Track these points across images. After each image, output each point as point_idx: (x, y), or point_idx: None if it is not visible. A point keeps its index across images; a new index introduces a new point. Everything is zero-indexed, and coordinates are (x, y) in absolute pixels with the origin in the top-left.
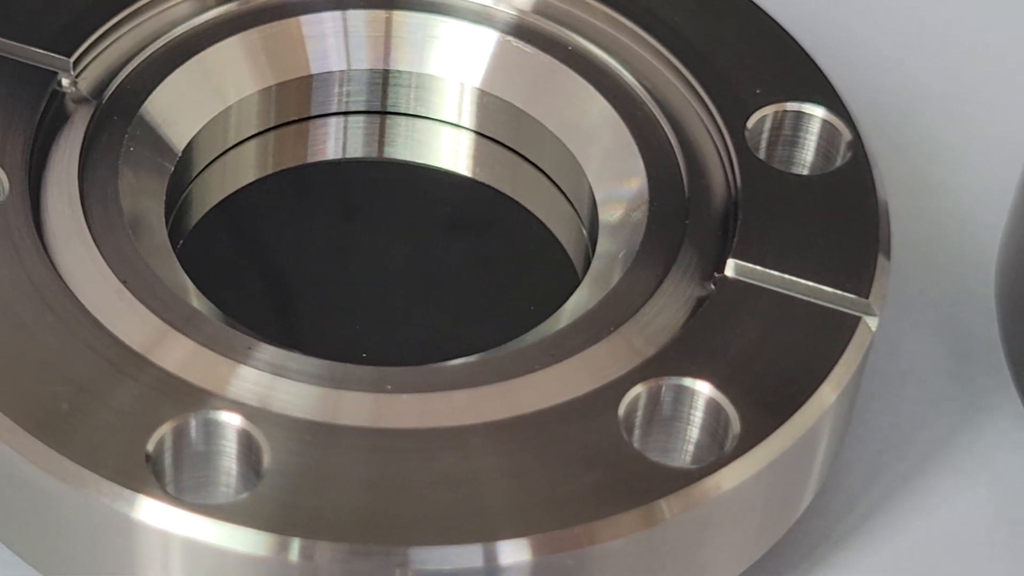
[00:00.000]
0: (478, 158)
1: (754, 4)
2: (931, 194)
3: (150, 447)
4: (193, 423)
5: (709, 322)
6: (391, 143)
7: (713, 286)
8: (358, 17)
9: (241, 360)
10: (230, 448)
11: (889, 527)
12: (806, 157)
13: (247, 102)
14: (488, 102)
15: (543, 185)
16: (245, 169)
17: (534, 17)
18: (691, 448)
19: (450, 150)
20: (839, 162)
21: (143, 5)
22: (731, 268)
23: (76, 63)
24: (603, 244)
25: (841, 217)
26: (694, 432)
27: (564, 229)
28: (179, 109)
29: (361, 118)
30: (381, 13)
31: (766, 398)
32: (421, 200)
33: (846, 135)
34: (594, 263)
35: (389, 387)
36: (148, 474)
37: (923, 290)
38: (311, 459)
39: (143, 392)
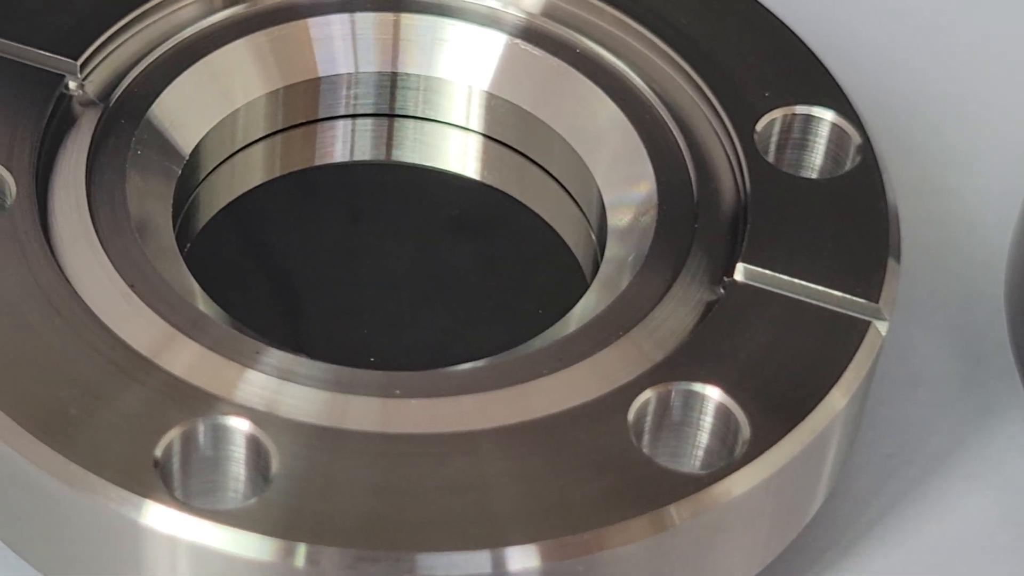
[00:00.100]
0: (486, 161)
1: (763, 7)
2: (940, 197)
3: (158, 452)
4: (201, 428)
5: (718, 327)
6: (399, 146)
7: (722, 290)
8: (366, 20)
9: (248, 364)
10: (238, 453)
11: (899, 532)
12: (815, 160)
13: (255, 105)
14: (496, 105)
15: (551, 188)
16: (252, 172)
17: (542, 20)
18: (701, 453)
19: (458, 153)
20: (848, 166)
21: (150, 8)
22: (740, 272)
23: (83, 66)
24: (612, 248)
25: (850, 221)
26: (704, 437)
27: (572, 233)
28: (186, 112)
29: (369, 121)
30: (389, 16)
31: (776, 403)
32: (429, 203)
33: (855, 138)
34: (603, 267)
35: (398, 392)
36: (156, 479)
37: (932, 293)
38: (319, 464)
39: (150, 396)
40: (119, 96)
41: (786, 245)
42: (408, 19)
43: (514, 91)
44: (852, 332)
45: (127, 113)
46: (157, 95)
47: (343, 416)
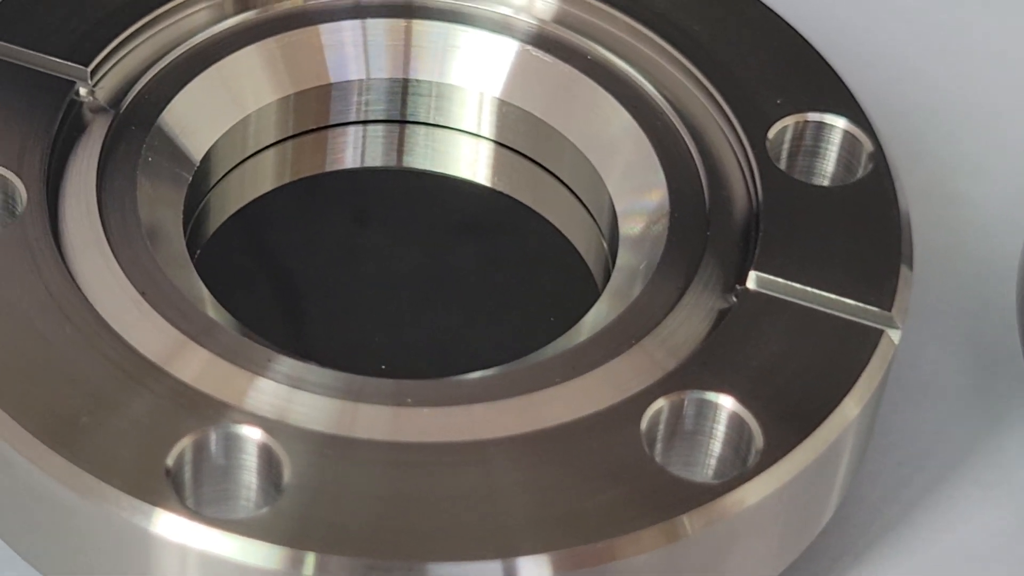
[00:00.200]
0: (498, 168)
1: (774, 13)
2: (952, 204)
3: (170, 461)
4: (213, 437)
5: (731, 335)
6: (410, 152)
7: (735, 298)
8: (378, 26)
9: (260, 372)
10: (250, 462)
11: (910, 540)
12: (827, 168)
13: (265, 111)
14: (508, 112)
15: (563, 196)
16: (263, 178)
17: (554, 27)
18: (713, 462)
19: (469, 160)
20: (860, 173)
21: (161, 14)
22: (752, 280)
23: (94, 72)
24: (623, 257)
25: (863, 228)
26: (716, 446)
27: (584, 241)
28: (197, 118)
29: (380, 127)
30: (401, 22)
31: (789, 412)
32: (440, 210)
33: (867, 146)
34: (614, 275)
35: (409, 400)
36: (168, 488)
37: (944, 300)
38: (331, 473)
39: (162, 405)
40: (130, 102)
41: (798, 253)
42: (420, 25)
43: (526, 98)
44: (865, 341)
45: (138, 119)
46: (168, 101)
47: (354, 424)
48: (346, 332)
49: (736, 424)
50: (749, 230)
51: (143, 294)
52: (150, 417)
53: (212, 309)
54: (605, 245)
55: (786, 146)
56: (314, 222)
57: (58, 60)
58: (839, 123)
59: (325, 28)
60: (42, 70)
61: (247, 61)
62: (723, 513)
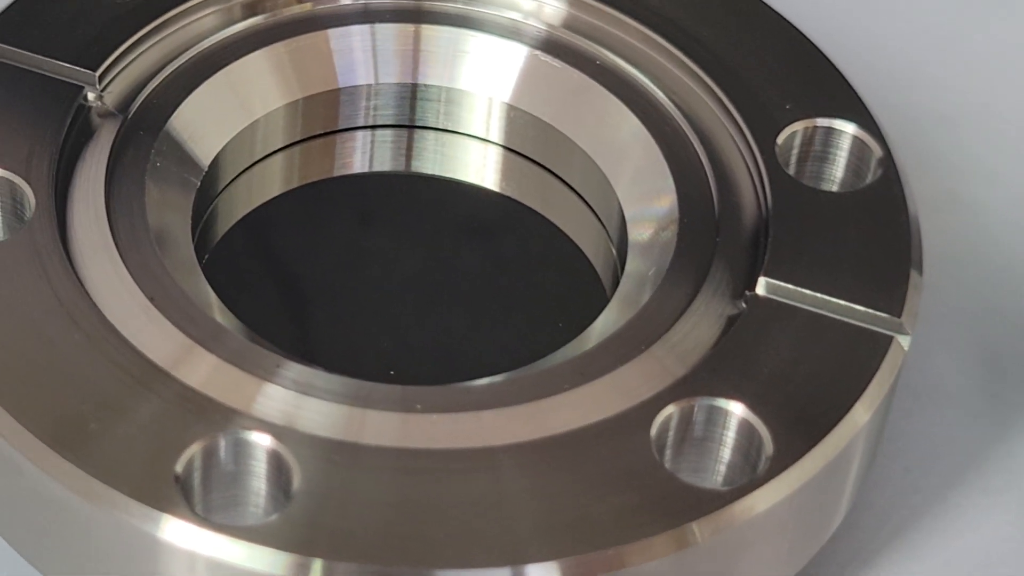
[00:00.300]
0: (506, 173)
1: (783, 18)
2: (961, 209)
3: (179, 467)
4: (222, 443)
5: (741, 341)
6: (419, 157)
7: (744, 305)
8: (386, 31)
9: (268, 378)
10: (260, 468)
11: (919, 545)
12: (836, 173)
13: (274, 116)
14: (517, 117)
15: (572, 201)
16: (271, 183)
17: (563, 32)
18: (723, 469)
19: (478, 165)
20: (870, 179)
21: (169, 19)
22: (762, 286)
23: (102, 77)
24: (632, 263)
25: (872, 234)
26: (726, 453)
27: (593, 246)
28: (205, 123)
29: (389, 132)
30: (410, 27)
31: (799, 418)
32: (448, 215)
33: (877, 152)
34: (623, 282)
35: (418, 406)
36: (177, 494)
37: (954, 306)
38: (340, 480)
39: (170, 410)
40: (138, 108)
41: (808, 259)
42: (429, 30)
43: (534, 103)
44: (875, 347)
45: (146, 124)
46: (176, 106)
47: (362, 431)
48: (354, 337)
49: (746, 431)
50: (758, 236)
51: (151, 299)
52: (159, 423)
53: (220, 314)
54: (614, 251)
55: (795, 152)
56: (322, 227)
57: (66, 65)
58: (848, 128)
59: (334, 33)
60: (50, 75)
61: (256, 66)
62: (733, 520)
